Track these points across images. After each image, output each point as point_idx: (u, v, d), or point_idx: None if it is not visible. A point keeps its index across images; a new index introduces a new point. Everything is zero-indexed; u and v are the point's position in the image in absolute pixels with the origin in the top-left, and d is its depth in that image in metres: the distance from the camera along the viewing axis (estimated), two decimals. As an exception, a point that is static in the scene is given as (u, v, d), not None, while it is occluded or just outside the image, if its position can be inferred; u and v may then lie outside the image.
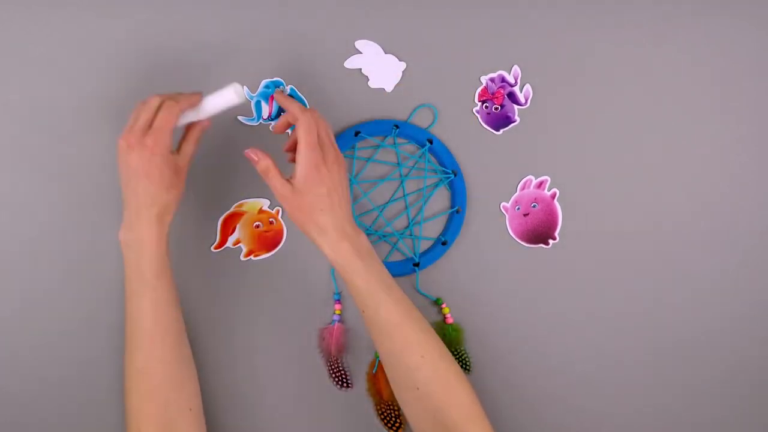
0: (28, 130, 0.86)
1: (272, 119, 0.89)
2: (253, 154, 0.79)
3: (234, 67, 0.88)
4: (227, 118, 0.88)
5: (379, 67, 0.89)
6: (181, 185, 0.80)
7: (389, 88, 0.90)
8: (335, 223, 0.77)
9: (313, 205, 0.77)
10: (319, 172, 0.76)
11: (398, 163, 0.90)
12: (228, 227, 0.88)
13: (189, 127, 0.82)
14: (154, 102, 0.78)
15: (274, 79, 0.89)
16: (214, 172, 0.88)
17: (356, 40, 0.89)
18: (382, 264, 0.79)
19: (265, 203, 0.88)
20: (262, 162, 0.78)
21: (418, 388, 0.75)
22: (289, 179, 0.78)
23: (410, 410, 0.77)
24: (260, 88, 0.88)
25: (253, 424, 0.89)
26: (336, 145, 0.80)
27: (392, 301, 0.77)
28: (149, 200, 0.77)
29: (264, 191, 0.88)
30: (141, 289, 0.78)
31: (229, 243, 0.88)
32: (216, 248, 0.88)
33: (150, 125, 0.77)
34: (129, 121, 0.78)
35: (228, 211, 0.88)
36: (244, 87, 0.88)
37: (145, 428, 0.76)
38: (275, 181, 0.78)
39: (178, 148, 0.82)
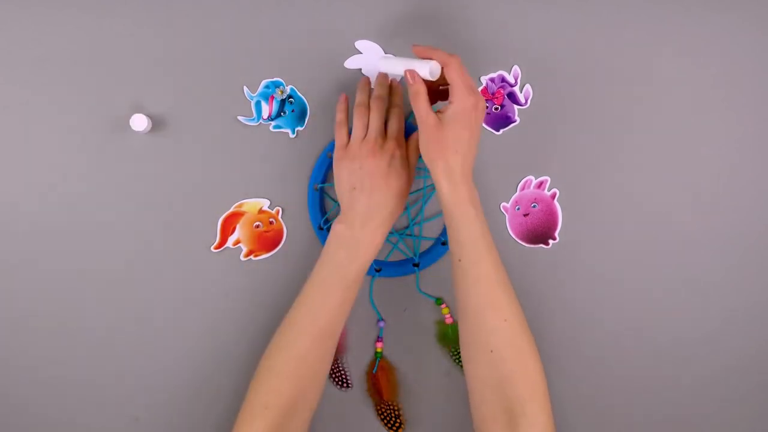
0: (29, 130, 0.87)
1: (272, 119, 0.89)
2: (410, 76, 0.79)
3: (234, 67, 0.88)
4: (227, 118, 0.88)
5: (379, 68, 0.89)
6: (407, 198, 0.83)
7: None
8: (464, 167, 0.77)
9: (452, 143, 0.76)
10: (470, 115, 0.76)
11: (398, 163, 0.90)
12: (228, 227, 0.88)
13: (409, 137, 0.85)
14: (380, 108, 0.83)
15: (274, 79, 0.89)
16: (214, 172, 0.88)
17: (356, 40, 0.89)
18: (486, 221, 0.79)
19: (265, 203, 0.88)
20: (416, 86, 0.78)
21: (491, 351, 0.75)
22: (436, 111, 0.78)
23: (476, 372, 0.76)
24: (260, 88, 0.88)
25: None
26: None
27: (491, 259, 0.77)
28: (382, 204, 0.80)
29: (264, 191, 0.88)
30: (337, 285, 0.79)
31: (229, 243, 0.88)
32: (216, 248, 0.88)
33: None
34: (355, 128, 0.83)
35: (228, 211, 0.88)
36: (244, 87, 0.88)
37: (273, 409, 0.76)
38: (423, 105, 0.78)
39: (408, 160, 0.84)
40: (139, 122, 0.84)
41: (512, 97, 0.91)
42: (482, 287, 0.76)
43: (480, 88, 0.90)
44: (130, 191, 0.87)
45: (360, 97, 0.85)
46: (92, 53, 0.87)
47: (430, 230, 0.90)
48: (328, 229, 0.89)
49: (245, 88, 0.88)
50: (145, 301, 0.88)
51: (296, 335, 0.78)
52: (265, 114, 0.89)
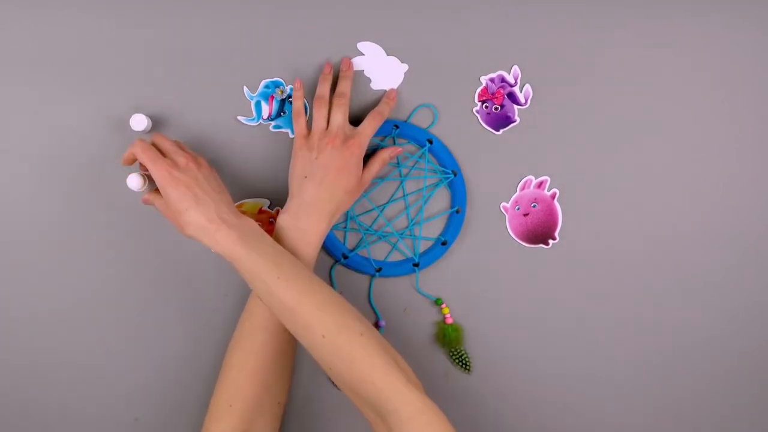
0: (29, 130, 0.87)
1: (272, 119, 0.89)
2: (146, 199, 0.81)
3: (234, 67, 0.88)
4: (227, 118, 0.88)
5: (381, 69, 0.89)
6: (356, 197, 0.84)
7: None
8: (207, 214, 0.75)
9: (178, 206, 0.76)
10: (170, 176, 0.76)
11: (398, 163, 0.90)
12: (228, 227, 0.88)
13: (381, 149, 0.87)
14: (344, 105, 0.84)
15: (274, 79, 0.89)
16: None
17: (358, 41, 0.89)
18: (274, 243, 0.77)
19: (265, 203, 0.88)
20: (147, 197, 0.81)
21: (330, 368, 0.74)
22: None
23: (340, 387, 0.76)
24: (260, 88, 0.88)
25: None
26: (185, 150, 0.80)
27: (282, 283, 0.74)
28: (328, 195, 0.80)
29: (264, 191, 0.88)
30: (299, 274, 0.77)
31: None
32: (216, 248, 0.88)
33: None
34: (315, 119, 0.85)
35: (228, 211, 0.88)
36: (244, 87, 0.88)
37: (237, 406, 0.77)
38: (156, 202, 0.79)
39: (365, 165, 0.85)
40: (139, 122, 0.84)
41: (512, 97, 0.91)
42: (288, 315, 0.74)
43: (480, 88, 0.90)
44: (130, 191, 0.86)
45: (321, 89, 0.86)
46: (92, 53, 0.87)
47: (430, 230, 0.90)
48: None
49: (245, 88, 0.88)
50: (146, 300, 0.88)
51: (251, 329, 0.79)
52: (265, 114, 0.89)
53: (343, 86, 0.86)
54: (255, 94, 0.88)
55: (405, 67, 0.90)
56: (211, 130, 0.88)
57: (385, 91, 0.89)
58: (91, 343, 0.87)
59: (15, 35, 0.86)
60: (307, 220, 0.80)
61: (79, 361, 0.87)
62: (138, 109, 0.86)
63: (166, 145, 0.80)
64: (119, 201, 0.87)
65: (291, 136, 0.89)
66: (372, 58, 0.89)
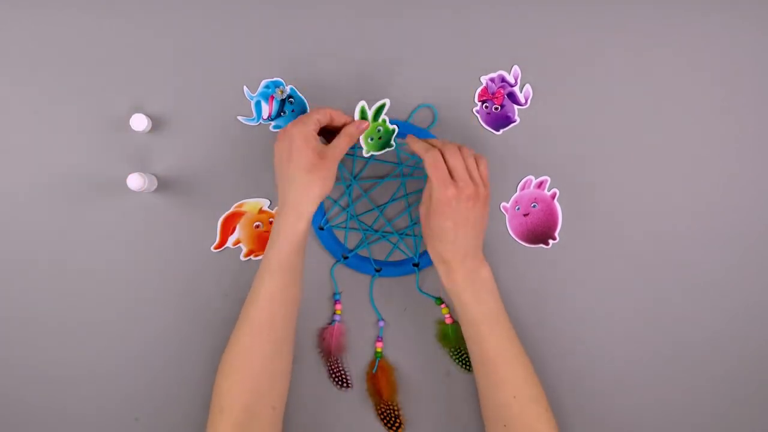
0: (29, 130, 0.87)
1: (272, 119, 0.89)
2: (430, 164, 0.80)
3: (234, 67, 0.88)
4: (227, 118, 0.88)
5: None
6: (326, 173, 0.79)
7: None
8: (454, 253, 0.79)
9: (435, 234, 0.79)
10: (447, 206, 0.77)
11: (398, 163, 0.90)
12: (228, 227, 0.88)
13: (347, 126, 0.83)
14: (315, 111, 0.80)
15: (274, 79, 0.89)
16: (214, 172, 0.88)
17: (357, 40, 0.89)
18: (498, 299, 0.81)
19: (265, 203, 0.88)
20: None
21: (505, 425, 0.78)
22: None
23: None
24: (260, 88, 0.88)
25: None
26: (480, 179, 0.80)
27: (495, 337, 0.79)
28: (288, 184, 0.79)
29: (264, 191, 0.88)
30: (263, 276, 0.79)
31: (229, 243, 0.88)
32: (216, 248, 0.88)
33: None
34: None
35: (228, 211, 0.88)
36: (244, 87, 0.88)
37: (229, 412, 0.77)
38: (425, 195, 0.81)
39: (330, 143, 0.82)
40: (139, 122, 0.84)
41: (512, 97, 0.91)
42: (488, 366, 0.79)
43: (480, 88, 0.90)
44: (129, 191, 0.86)
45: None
46: (92, 53, 0.87)
47: (430, 230, 0.90)
48: (329, 230, 0.89)
49: (245, 88, 0.88)
50: (145, 300, 0.88)
51: (235, 332, 0.79)
52: (265, 114, 0.89)
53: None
54: (255, 94, 0.88)
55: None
56: (211, 130, 0.88)
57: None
58: (91, 342, 0.87)
59: (15, 35, 0.86)
60: (280, 217, 0.79)
61: (78, 360, 0.87)
62: (138, 109, 0.87)
63: (457, 164, 0.78)
64: (119, 201, 0.87)
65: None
66: None
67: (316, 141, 0.79)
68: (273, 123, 0.89)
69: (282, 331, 0.80)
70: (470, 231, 0.79)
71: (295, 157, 0.78)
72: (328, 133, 0.83)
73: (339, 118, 0.82)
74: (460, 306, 0.80)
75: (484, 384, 0.80)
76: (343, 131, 0.82)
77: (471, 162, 0.80)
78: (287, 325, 0.80)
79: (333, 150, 0.80)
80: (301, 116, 0.80)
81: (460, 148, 0.80)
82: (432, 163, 0.78)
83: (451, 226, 0.78)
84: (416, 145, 0.81)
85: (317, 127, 0.80)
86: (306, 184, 0.78)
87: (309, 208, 0.78)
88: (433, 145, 0.80)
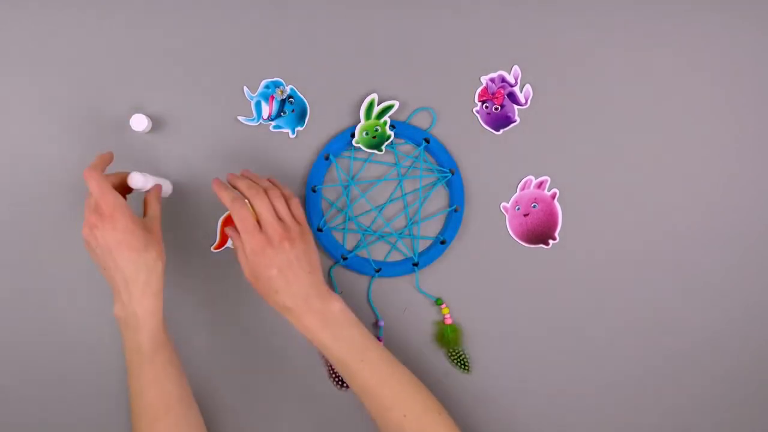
0: (29, 130, 0.87)
1: (272, 119, 0.89)
2: (228, 234, 0.80)
3: (234, 67, 0.88)
4: (227, 118, 0.88)
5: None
6: (159, 246, 0.79)
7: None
8: (294, 299, 0.76)
9: (267, 287, 0.76)
10: (263, 256, 0.76)
11: (396, 163, 0.90)
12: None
13: (147, 192, 0.82)
14: (91, 186, 0.76)
15: (274, 79, 0.89)
16: (214, 172, 0.88)
17: (357, 39, 0.89)
18: (359, 327, 0.79)
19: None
20: (234, 241, 0.79)
21: None
22: None
23: None
24: (260, 88, 0.88)
25: (253, 424, 0.89)
26: (289, 219, 0.78)
27: (367, 366, 0.77)
28: (132, 267, 0.76)
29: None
30: (141, 365, 0.78)
31: (229, 243, 0.89)
32: (216, 248, 0.88)
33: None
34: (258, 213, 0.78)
35: (228, 212, 0.88)
36: (244, 87, 0.88)
37: None
38: (242, 261, 0.78)
39: (144, 214, 0.81)
40: (139, 122, 0.84)
41: (512, 97, 0.90)
42: (370, 394, 0.77)
43: (480, 88, 0.90)
44: (130, 192, 0.87)
45: (228, 196, 0.80)
46: (92, 53, 0.87)
47: (429, 229, 0.90)
48: (327, 231, 0.89)
49: (245, 88, 0.88)
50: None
51: (136, 424, 0.78)
52: (265, 114, 0.89)
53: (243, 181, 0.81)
54: (255, 94, 0.89)
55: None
56: (211, 130, 0.89)
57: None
58: (90, 342, 0.88)
59: (15, 35, 0.86)
60: (130, 303, 0.77)
61: (78, 360, 0.88)
62: (138, 109, 0.87)
63: (263, 210, 0.77)
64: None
65: (291, 136, 0.89)
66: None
67: (135, 216, 0.77)
68: (273, 123, 0.89)
69: (180, 405, 0.79)
70: (299, 271, 0.76)
71: (126, 241, 0.75)
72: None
73: (116, 179, 0.79)
74: (322, 348, 0.77)
75: (373, 411, 0.78)
76: (149, 198, 0.81)
77: (279, 203, 0.78)
78: (182, 396, 0.79)
79: (152, 221, 0.80)
80: (95, 196, 0.75)
81: (267, 190, 0.78)
82: (236, 214, 0.76)
83: (277, 273, 0.76)
84: (222, 193, 0.78)
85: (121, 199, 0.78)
86: (150, 263, 0.77)
87: (161, 284, 0.79)
88: (241, 189, 0.78)
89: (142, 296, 0.77)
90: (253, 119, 0.89)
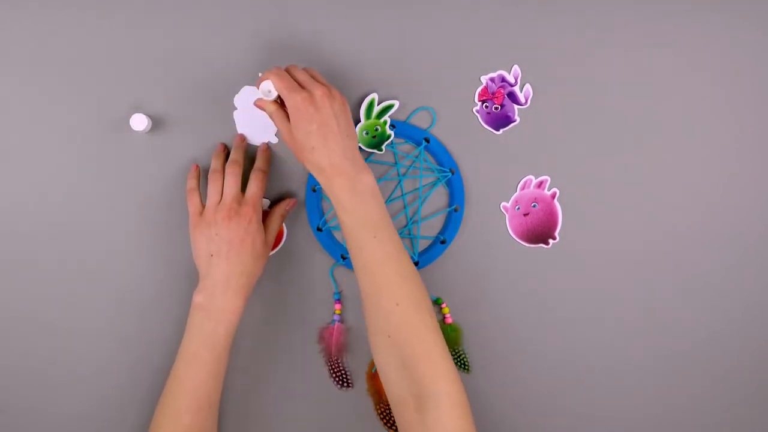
0: (29, 130, 0.87)
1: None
2: (258, 104, 0.81)
3: (234, 67, 0.88)
4: (227, 118, 0.88)
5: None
6: (265, 260, 0.83)
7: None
8: (331, 158, 0.76)
9: (304, 143, 0.77)
10: (305, 111, 0.76)
11: (396, 163, 0.90)
12: (227, 227, 0.88)
13: (275, 204, 0.87)
14: (236, 173, 0.82)
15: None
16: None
17: (357, 39, 0.89)
18: (381, 205, 0.78)
19: (265, 204, 0.88)
20: (268, 107, 0.80)
21: (389, 336, 0.75)
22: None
23: (380, 357, 0.76)
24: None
25: (253, 424, 0.89)
26: (325, 82, 0.79)
27: (377, 242, 0.76)
28: (240, 268, 0.79)
29: (265, 192, 0.88)
30: (208, 357, 0.79)
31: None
32: (216, 248, 0.88)
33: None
34: (209, 194, 0.82)
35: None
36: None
37: None
38: (279, 122, 0.80)
39: (264, 225, 0.84)
40: (139, 122, 0.84)
41: (512, 97, 0.90)
42: (371, 272, 0.76)
43: (480, 88, 0.90)
44: (129, 191, 0.87)
45: (214, 164, 0.85)
46: (92, 53, 0.87)
47: (429, 229, 0.90)
48: (327, 231, 0.89)
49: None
50: (145, 300, 0.88)
51: (176, 412, 0.78)
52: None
53: (236, 155, 0.85)
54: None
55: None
56: (211, 130, 0.88)
57: (259, 146, 0.89)
58: (89, 342, 0.88)
59: (15, 35, 0.86)
60: (222, 299, 0.79)
61: (78, 360, 0.88)
62: (138, 109, 0.87)
63: (301, 76, 0.79)
64: (119, 201, 0.87)
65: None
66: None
67: (262, 225, 0.83)
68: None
69: (213, 408, 0.80)
70: (337, 132, 0.77)
71: (248, 245, 0.80)
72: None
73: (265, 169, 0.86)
74: (342, 211, 0.77)
75: (366, 291, 0.77)
76: (275, 212, 0.86)
77: (312, 72, 0.81)
78: (217, 400, 0.81)
79: (271, 235, 0.85)
80: (251, 193, 0.83)
81: (287, 68, 0.81)
82: (276, 78, 0.77)
83: (316, 128, 0.76)
84: (265, 74, 0.80)
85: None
86: (253, 271, 0.81)
87: (251, 291, 0.82)
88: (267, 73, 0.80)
89: (234, 296, 0.79)
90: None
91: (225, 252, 0.79)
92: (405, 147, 0.90)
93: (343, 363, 0.89)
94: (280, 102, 0.80)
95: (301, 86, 0.78)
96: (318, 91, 0.77)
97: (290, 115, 0.77)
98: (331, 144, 0.76)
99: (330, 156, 0.76)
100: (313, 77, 0.80)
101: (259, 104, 0.81)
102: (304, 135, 0.77)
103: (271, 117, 0.81)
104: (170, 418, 0.78)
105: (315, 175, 0.78)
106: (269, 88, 0.78)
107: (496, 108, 0.90)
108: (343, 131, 0.77)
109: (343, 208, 0.77)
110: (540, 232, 0.91)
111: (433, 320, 0.76)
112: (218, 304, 0.79)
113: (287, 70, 0.80)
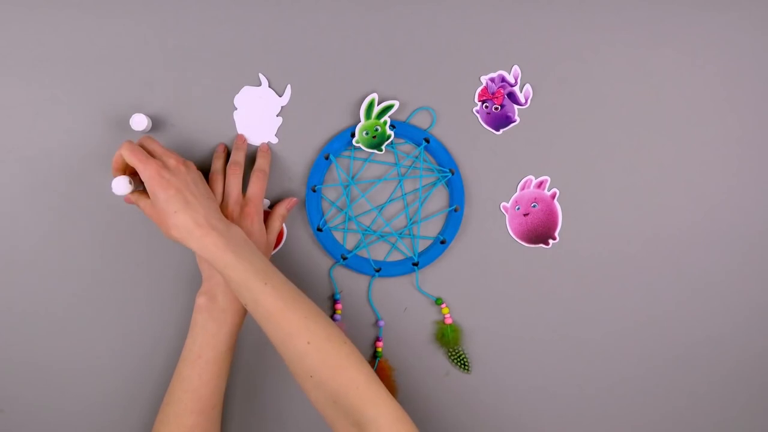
0: (29, 130, 0.87)
1: None
2: (127, 199, 0.82)
3: (234, 67, 0.88)
4: (227, 117, 0.88)
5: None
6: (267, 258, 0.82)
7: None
8: (196, 218, 0.75)
9: (166, 208, 0.76)
10: (161, 177, 0.76)
11: (395, 163, 0.90)
12: (227, 227, 0.88)
13: (275, 204, 0.87)
14: (237, 174, 0.84)
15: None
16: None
17: (357, 39, 0.89)
18: (259, 252, 0.78)
19: (265, 204, 0.88)
20: (133, 198, 0.81)
21: (311, 376, 0.74)
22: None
23: (311, 396, 0.75)
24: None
25: (253, 424, 0.89)
26: (174, 153, 0.80)
27: (270, 289, 0.75)
28: (243, 250, 0.77)
29: (265, 192, 0.88)
30: (212, 358, 0.79)
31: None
32: (215, 248, 0.88)
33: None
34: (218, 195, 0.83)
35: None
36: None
37: None
38: (141, 203, 0.80)
39: (265, 225, 0.85)
40: (139, 122, 0.84)
41: (512, 97, 0.90)
42: (273, 321, 0.75)
43: (480, 88, 0.90)
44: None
45: (216, 165, 0.86)
46: (92, 53, 0.87)
47: (429, 229, 0.90)
48: (327, 231, 0.89)
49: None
50: (145, 300, 0.88)
51: (180, 413, 0.78)
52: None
53: (237, 156, 0.85)
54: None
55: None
56: (212, 130, 0.88)
57: (258, 146, 0.89)
58: (89, 342, 0.88)
59: (15, 35, 0.86)
60: (225, 299, 0.80)
61: (77, 360, 0.88)
62: (138, 109, 0.87)
63: (155, 147, 0.80)
64: (119, 201, 0.87)
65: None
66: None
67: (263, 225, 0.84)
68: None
69: (221, 404, 0.81)
70: (197, 193, 0.77)
71: (258, 234, 0.82)
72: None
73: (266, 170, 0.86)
74: (224, 268, 0.75)
75: (276, 339, 0.75)
76: (275, 213, 0.86)
77: (149, 141, 0.81)
78: (221, 400, 0.81)
79: (272, 234, 0.85)
80: (252, 192, 0.84)
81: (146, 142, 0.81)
82: (128, 150, 0.77)
83: (175, 192, 0.76)
84: (122, 150, 0.79)
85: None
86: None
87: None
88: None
89: (235, 297, 0.79)
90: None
91: None
92: (405, 147, 0.90)
93: (343, 363, 0.89)
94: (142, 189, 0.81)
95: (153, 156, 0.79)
96: (171, 160, 0.78)
97: (147, 186, 0.77)
98: (192, 205, 0.76)
99: (195, 216, 0.75)
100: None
101: (127, 200, 0.82)
102: (164, 201, 0.76)
103: (137, 204, 0.81)
104: (174, 418, 0.78)
105: (185, 240, 0.76)
106: (124, 183, 0.79)
107: (496, 108, 0.90)
108: (203, 194, 0.78)
109: (225, 264, 0.75)
110: (540, 232, 0.91)
111: (348, 347, 0.75)
112: (221, 304, 0.80)
113: (140, 143, 0.81)
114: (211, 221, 0.76)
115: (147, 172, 0.76)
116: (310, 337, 0.74)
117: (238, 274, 0.75)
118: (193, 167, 0.81)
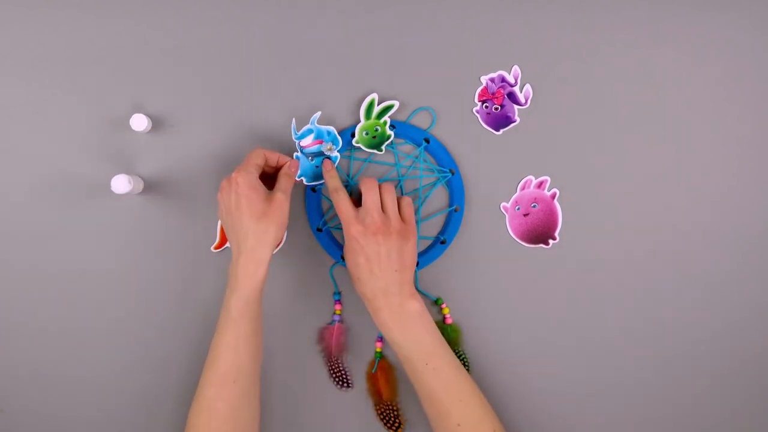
0: (29, 130, 0.87)
1: (304, 152, 0.88)
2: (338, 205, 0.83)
3: (234, 67, 0.88)
4: (227, 117, 0.88)
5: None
6: (277, 218, 0.80)
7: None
8: (374, 290, 0.80)
9: (353, 272, 0.81)
10: (355, 243, 0.80)
11: (396, 163, 0.90)
12: (228, 227, 0.88)
13: (282, 168, 0.85)
14: (375, 187, 0.83)
15: (329, 127, 0.87)
16: (214, 172, 0.88)
17: (357, 39, 0.89)
18: (432, 332, 0.81)
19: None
20: (331, 184, 0.84)
21: None
22: None
23: None
24: (312, 125, 0.87)
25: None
26: (393, 213, 0.82)
27: (430, 370, 0.79)
28: (242, 233, 0.79)
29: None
30: (225, 326, 0.78)
31: (229, 243, 0.88)
32: (216, 248, 0.88)
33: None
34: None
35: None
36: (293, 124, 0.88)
37: None
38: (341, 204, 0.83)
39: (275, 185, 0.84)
40: (139, 122, 0.84)
41: (512, 97, 0.90)
42: (429, 398, 0.79)
43: (480, 88, 0.90)
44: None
45: (334, 183, 0.85)
46: (92, 53, 0.87)
47: (429, 229, 0.90)
48: (327, 231, 0.89)
49: (293, 123, 0.88)
50: (145, 300, 0.88)
51: (201, 385, 0.78)
52: (303, 143, 0.88)
53: (334, 182, 0.85)
54: (307, 127, 0.87)
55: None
56: (212, 130, 0.89)
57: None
58: (89, 344, 0.88)
59: (15, 35, 0.86)
60: (236, 260, 0.78)
61: (78, 360, 0.87)
62: (138, 109, 0.87)
63: (368, 199, 0.81)
64: (119, 201, 0.87)
65: (293, 137, 0.89)
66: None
67: (261, 187, 0.81)
68: (299, 150, 0.88)
69: (247, 379, 0.78)
70: (385, 267, 0.80)
71: (244, 206, 0.79)
72: (264, 177, 0.84)
73: (272, 157, 0.84)
74: (392, 344, 0.81)
75: (430, 415, 0.80)
76: (281, 174, 0.84)
77: (388, 197, 0.82)
78: (252, 373, 0.79)
79: (279, 193, 0.81)
80: (242, 164, 0.81)
81: (381, 185, 0.83)
82: (337, 203, 0.82)
83: (364, 262, 0.80)
84: (329, 178, 0.85)
85: (259, 172, 0.82)
86: (261, 231, 0.78)
87: (266, 254, 0.79)
88: (360, 182, 0.83)
89: (246, 261, 0.78)
90: (297, 135, 0.87)
91: (230, 221, 0.80)
92: (405, 147, 0.90)
93: (343, 363, 0.89)
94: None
95: (382, 207, 0.82)
96: (372, 227, 0.80)
97: (345, 243, 0.82)
98: (376, 279, 0.80)
99: (374, 290, 0.80)
100: (383, 197, 0.82)
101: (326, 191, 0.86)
102: (353, 265, 0.81)
103: (333, 200, 0.83)
104: (197, 393, 0.78)
105: (365, 301, 0.82)
106: (124, 182, 0.80)
107: (496, 108, 0.90)
108: (392, 265, 0.80)
109: (392, 340, 0.80)
110: (540, 233, 0.91)
111: (497, 428, 0.79)
112: (234, 267, 0.79)
113: (382, 188, 0.83)
114: (389, 297, 0.80)
115: (347, 231, 0.81)
116: (460, 419, 0.78)
117: (402, 351, 0.80)
118: (396, 232, 0.81)
